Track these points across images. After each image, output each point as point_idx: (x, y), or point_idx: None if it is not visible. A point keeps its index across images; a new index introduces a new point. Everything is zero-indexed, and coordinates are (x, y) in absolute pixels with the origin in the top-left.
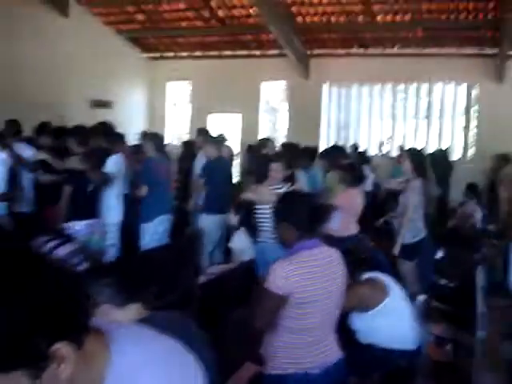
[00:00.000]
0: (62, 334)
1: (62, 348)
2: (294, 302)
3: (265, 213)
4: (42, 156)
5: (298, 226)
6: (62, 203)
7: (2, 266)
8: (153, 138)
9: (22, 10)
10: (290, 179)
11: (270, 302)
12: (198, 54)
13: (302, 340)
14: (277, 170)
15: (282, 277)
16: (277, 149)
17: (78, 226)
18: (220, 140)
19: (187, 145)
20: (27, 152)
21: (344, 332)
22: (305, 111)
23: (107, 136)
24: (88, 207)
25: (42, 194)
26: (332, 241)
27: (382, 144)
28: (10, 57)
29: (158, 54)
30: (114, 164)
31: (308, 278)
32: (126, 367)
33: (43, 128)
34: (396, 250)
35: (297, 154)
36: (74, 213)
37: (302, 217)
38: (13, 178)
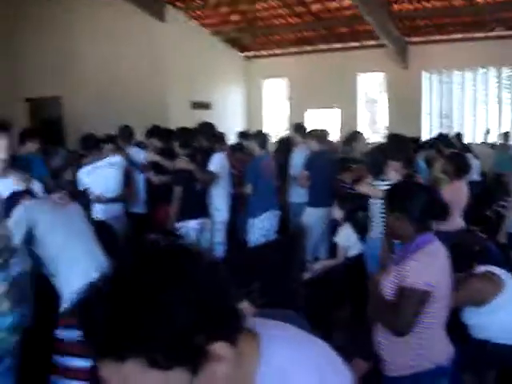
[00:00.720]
0: (220, 332)
1: (220, 347)
2: (433, 297)
3: (378, 207)
4: (154, 158)
5: (414, 218)
6: (173, 203)
7: (166, 264)
8: (257, 135)
9: (119, 18)
10: (410, 177)
11: (415, 301)
12: (293, 50)
13: (434, 335)
14: (396, 168)
15: (425, 272)
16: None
17: (189, 225)
18: (320, 134)
19: (282, 141)
20: (139, 155)
21: (456, 327)
22: (405, 101)
23: (209, 136)
24: (198, 206)
25: (154, 194)
26: (439, 235)
27: (487, 132)
28: (113, 65)
29: (254, 53)
30: (217, 163)
31: (442, 272)
32: (276, 368)
33: (153, 131)
34: (501, 238)
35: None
36: (184, 212)
37: (419, 209)
38: (127, 179)
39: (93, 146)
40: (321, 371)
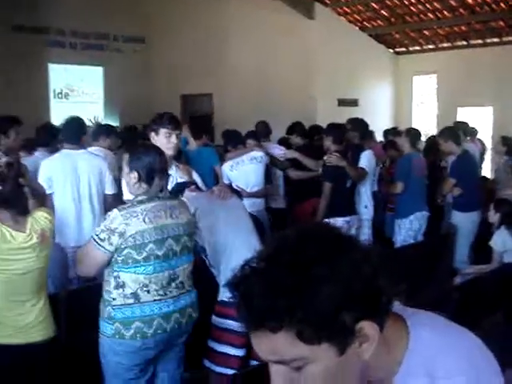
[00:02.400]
0: (368, 312)
1: (367, 327)
2: None
3: None
4: (293, 154)
5: None
6: (322, 199)
7: (322, 240)
8: (408, 132)
9: (269, 16)
10: None
11: None
12: (444, 45)
13: None
14: None
15: None
16: None
17: (337, 222)
18: (459, 134)
19: (430, 140)
20: (277, 151)
21: None
22: None
23: (361, 133)
24: (346, 203)
25: (292, 190)
26: None
27: None
28: (261, 62)
29: (403, 49)
30: (367, 160)
31: None
32: (424, 354)
33: (294, 127)
34: None
35: None
36: (333, 209)
37: None
38: (268, 175)
39: (237, 141)
40: (474, 363)
